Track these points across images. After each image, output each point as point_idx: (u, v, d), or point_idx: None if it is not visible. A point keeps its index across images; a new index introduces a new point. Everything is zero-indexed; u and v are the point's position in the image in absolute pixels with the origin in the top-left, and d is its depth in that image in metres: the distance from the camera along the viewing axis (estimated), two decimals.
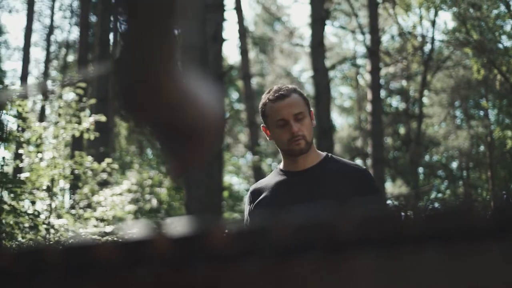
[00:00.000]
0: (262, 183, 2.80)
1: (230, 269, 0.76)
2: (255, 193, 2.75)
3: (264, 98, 2.72)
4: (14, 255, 0.92)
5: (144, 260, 0.82)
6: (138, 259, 0.82)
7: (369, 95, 16.44)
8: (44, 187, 6.75)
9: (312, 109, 2.74)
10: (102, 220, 7.25)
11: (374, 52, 16.43)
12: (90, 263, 0.86)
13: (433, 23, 20.38)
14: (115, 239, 0.86)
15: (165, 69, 0.86)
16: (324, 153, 2.76)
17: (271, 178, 2.77)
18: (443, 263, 0.66)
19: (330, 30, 47.49)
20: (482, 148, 23.46)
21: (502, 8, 15.36)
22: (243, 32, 20.36)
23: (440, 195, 22.14)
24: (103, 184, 9.11)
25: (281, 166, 2.78)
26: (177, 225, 0.79)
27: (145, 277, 0.81)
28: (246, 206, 2.79)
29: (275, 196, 2.67)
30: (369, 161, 17.74)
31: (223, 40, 11.74)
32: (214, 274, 0.77)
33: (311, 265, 0.71)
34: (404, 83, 24.68)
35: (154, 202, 13.57)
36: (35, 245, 0.93)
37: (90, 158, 7.40)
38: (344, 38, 30.70)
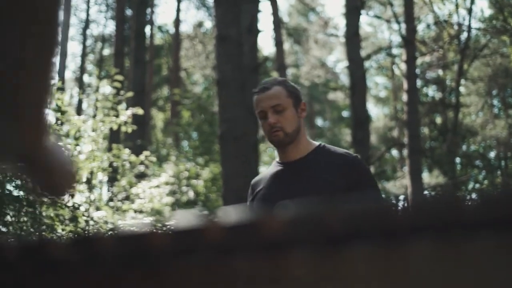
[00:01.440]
0: (261, 175, 2.86)
1: (281, 258, 0.76)
2: (254, 186, 2.82)
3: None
4: (67, 245, 0.94)
5: (195, 249, 0.83)
6: (189, 248, 0.83)
7: (405, 85, 16.26)
8: (83, 180, 6.84)
9: (303, 100, 2.74)
10: (140, 212, 7.33)
11: (409, 41, 16.24)
12: (141, 252, 0.87)
13: (470, 11, 20.05)
14: (164, 228, 0.87)
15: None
16: (317, 143, 2.76)
17: (269, 170, 2.82)
18: (497, 251, 0.66)
19: (365, 20, 47.13)
20: None
21: None
22: (277, 23, 20.32)
23: (478, 185, 21.85)
24: (141, 176, 9.20)
25: (277, 157, 2.82)
26: (228, 214, 0.80)
27: (197, 266, 0.82)
28: (248, 199, 2.84)
29: (268, 189, 2.72)
30: (405, 152, 17.56)
31: (258, 31, 11.75)
32: (265, 263, 0.78)
33: (362, 253, 0.71)
34: (440, 72, 24.34)
35: (191, 194, 13.65)
36: (88, 235, 0.95)
37: (127, 150, 7.49)
38: (379, 28, 30.46)
